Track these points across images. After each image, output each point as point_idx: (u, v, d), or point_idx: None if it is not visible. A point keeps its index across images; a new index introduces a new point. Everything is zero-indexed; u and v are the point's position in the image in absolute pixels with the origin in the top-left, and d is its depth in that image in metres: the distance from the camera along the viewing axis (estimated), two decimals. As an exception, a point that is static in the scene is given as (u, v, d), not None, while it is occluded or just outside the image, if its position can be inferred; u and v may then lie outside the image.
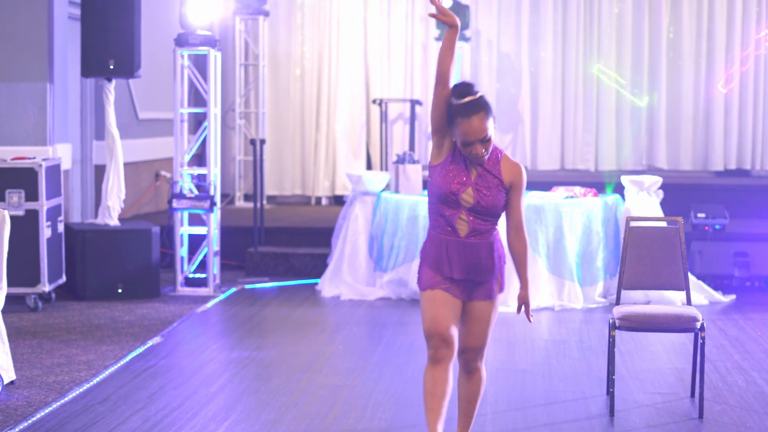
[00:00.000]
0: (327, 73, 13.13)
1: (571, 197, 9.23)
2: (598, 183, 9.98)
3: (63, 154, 9.29)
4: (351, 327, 8.08)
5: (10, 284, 6.84)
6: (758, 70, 12.73)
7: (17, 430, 5.41)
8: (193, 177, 9.66)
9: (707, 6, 12.78)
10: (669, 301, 8.60)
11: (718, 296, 9.11)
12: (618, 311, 5.85)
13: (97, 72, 9.10)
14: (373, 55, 13.15)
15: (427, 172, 9.51)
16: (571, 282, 8.88)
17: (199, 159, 11.80)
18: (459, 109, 4.56)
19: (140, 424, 5.53)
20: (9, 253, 6.19)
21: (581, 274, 8.97)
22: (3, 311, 6.15)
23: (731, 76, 12.66)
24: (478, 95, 4.59)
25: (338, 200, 12.89)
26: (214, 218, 9.41)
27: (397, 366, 6.82)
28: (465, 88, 4.61)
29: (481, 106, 4.56)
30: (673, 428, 5.59)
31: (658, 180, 9.19)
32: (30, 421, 5.54)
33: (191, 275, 9.45)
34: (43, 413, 5.69)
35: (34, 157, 8.56)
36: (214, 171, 9.42)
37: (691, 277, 8.92)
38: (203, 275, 9.42)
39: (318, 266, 10.02)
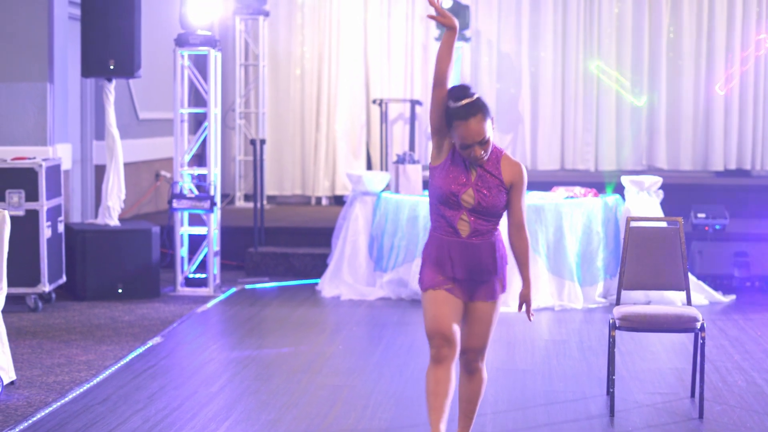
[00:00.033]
0: (327, 73, 13.13)
1: (572, 197, 9.24)
2: (598, 183, 9.98)
3: (63, 154, 9.29)
4: (351, 327, 8.09)
5: (10, 284, 6.84)
6: (758, 70, 12.73)
7: (17, 430, 5.41)
8: (193, 177, 9.66)
9: (707, 6, 12.78)
10: (669, 302, 8.60)
11: (718, 296, 9.11)
12: (618, 311, 5.85)
13: (97, 72, 9.10)
14: (373, 56, 13.15)
15: (427, 172, 9.52)
16: (571, 282, 8.88)
17: (200, 159, 11.80)
18: (456, 112, 4.54)
19: (140, 425, 5.53)
20: (9, 253, 6.19)
21: (581, 274, 8.97)
22: (3, 311, 6.15)
23: (731, 76, 12.66)
24: (475, 97, 4.57)
25: (338, 200, 12.89)
26: (215, 218, 9.42)
27: (397, 366, 6.82)
28: (461, 91, 4.58)
29: (478, 109, 4.54)
30: (673, 428, 5.59)
31: (658, 180, 9.19)
32: (30, 422, 5.54)
33: (191, 275, 9.44)
34: (43, 413, 5.69)
35: (35, 157, 8.56)
36: (214, 171, 9.42)
37: (691, 278, 8.92)
38: (203, 275, 9.42)
39: (318, 266, 10.02)
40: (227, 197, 12.81)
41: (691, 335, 6.95)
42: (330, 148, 13.17)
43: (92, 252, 8.94)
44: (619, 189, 9.39)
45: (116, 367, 6.71)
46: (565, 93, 13.01)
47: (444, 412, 4.60)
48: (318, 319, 8.40)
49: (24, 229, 8.25)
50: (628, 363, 6.93)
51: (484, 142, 4.56)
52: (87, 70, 9.11)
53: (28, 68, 9.05)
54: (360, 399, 6.05)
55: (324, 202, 13.23)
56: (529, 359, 7.09)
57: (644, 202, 9.07)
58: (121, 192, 9.29)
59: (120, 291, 8.96)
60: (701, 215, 9.84)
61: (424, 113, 12.79)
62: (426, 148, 12.68)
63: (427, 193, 9.23)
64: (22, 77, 9.06)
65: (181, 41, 9.31)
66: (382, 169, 12.48)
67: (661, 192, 9.19)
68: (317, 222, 11.20)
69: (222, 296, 9.21)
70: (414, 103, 12.83)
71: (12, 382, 6.17)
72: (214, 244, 9.42)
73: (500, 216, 4.69)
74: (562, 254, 8.88)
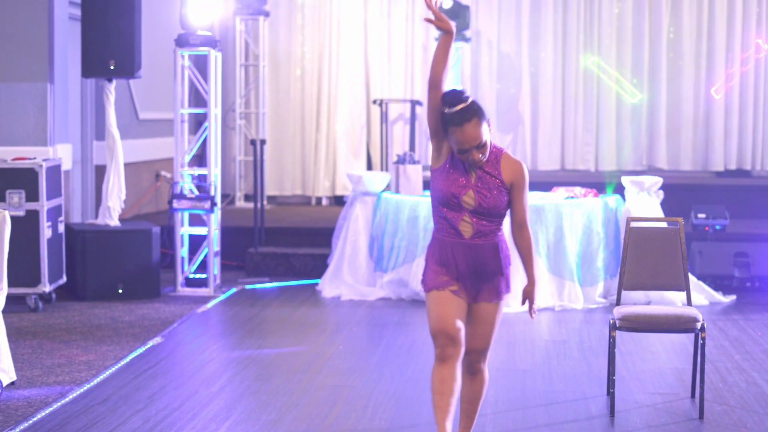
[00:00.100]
0: (327, 74, 13.13)
1: (572, 198, 9.24)
2: (598, 183, 9.98)
3: (63, 154, 9.29)
4: (351, 327, 8.08)
5: (10, 284, 6.84)
6: (759, 70, 12.74)
7: (18, 430, 5.41)
8: (193, 177, 9.66)
9: (707, 6, 12.78)
10: (669, 302, 8.60)
11: (718, 297, 9.11)
12: (618, 312, 5.85)
13: (97, 72, 9.10)
14: (374, 56, 13.15)
15: (427, 173, 9.53)
16: (571, 282, 8.88)
17: (200, 159, 11.80)
18: (451, 118, 4.52)
19: (141, 425, 5.53)
20: (9, 253, 6.19)
21: (581, 274, 8.97)
22: (3, 311, 6.15)
23: (731, 76, 12.65)
24: (469, 101, 4.54)
25: (338, 200, 12.89)
26: (215, 218, 9.42)
27: (398, 366, 6.82)
28: (455, 96, 4.55)
29: (473, 113, 4.52)
30: (674, 429, 5.59)
31: (658, 180, 9.20)
32: (30, 422, 5.54)
33: (191, 275, 9.45)
34: (43, 413, 5.69)
35: (35, 158, 8.56)
36: (214, 171, 9.42)
37: (692, 278, 8.92)
38: (203, 275, 9.42)
39: (318, 266, 10.02)
40: (227, 197, 12.81)
41: (692, 335, 6.96)
42: (330, 148, 13.17)
43: (92, 252, 8.94)
44: (620, 189, 9.40)
45: (116, 367, 6.71)
46: (565, 93, 13.01)
47: (450, 410, 4.60)
48: (318, 319, 8.40)
49: (24, 229, 8.25)
50: (629, 363, 6.93)
51: (481, 146, 4.56)
52: (87, 70, 9.11)
53: (28, 68, 9.05)
54: (360, 399, 6.05)
55: (324, 202, 13.23)
56: (529, 359, 7.09)
57: (644, 202, 9.07)
58: (122, 192, 9.30)
59: (120, 291, 8.96)
60: (701, 215, 9.85)
61: (424, 113, 12.77)
62: (426, 148, 12.69)
63: (427, 193, 9.26)
64: (23, 77, 9.06)
65: (181, 41, 9.31)
66: (382, 170, 12.48)
67: (661, 192, 9.19)
68: (317, 222, 11.20)
69: (222, 296, 9.21)
70: (414, 103, 12.84)
71: (12, 383, 6.18)
72: (215, 244, 9.42)
73: (503, 216, 4.69)
74: (563, 254, 8.88)
